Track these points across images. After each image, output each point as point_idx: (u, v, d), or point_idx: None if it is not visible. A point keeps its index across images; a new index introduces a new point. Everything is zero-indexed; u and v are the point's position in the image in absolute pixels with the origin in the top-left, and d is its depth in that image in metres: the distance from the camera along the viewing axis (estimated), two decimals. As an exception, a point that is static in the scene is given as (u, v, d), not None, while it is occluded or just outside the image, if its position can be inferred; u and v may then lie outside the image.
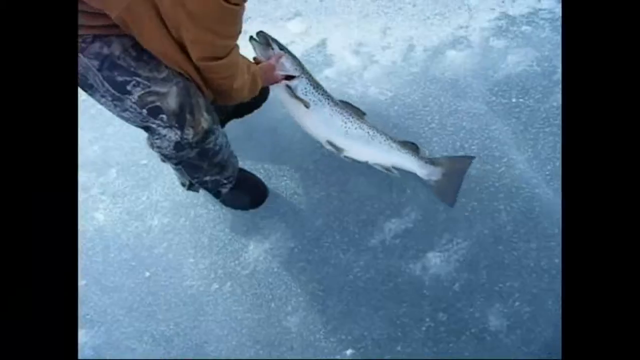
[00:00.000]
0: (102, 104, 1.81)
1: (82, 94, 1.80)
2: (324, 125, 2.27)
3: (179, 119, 1.77)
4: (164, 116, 1.75)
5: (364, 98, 2.52)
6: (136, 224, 2.41)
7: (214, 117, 1.91)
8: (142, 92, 1.71)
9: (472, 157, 2.29)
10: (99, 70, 1.68)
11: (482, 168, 2.32)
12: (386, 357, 2.06)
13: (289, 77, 2.27)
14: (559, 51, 2.56)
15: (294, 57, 2.31)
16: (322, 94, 2.27)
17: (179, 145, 1.83)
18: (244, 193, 2.34)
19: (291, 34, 2.84)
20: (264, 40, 2.27)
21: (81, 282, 2.30)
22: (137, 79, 1.70)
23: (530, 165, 2.32)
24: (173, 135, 1.80)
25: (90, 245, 2.39)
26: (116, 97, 1.73)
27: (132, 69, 1.69)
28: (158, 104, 1.73)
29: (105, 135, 2.67)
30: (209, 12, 1.58)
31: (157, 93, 1.72)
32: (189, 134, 1.80)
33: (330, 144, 2.25)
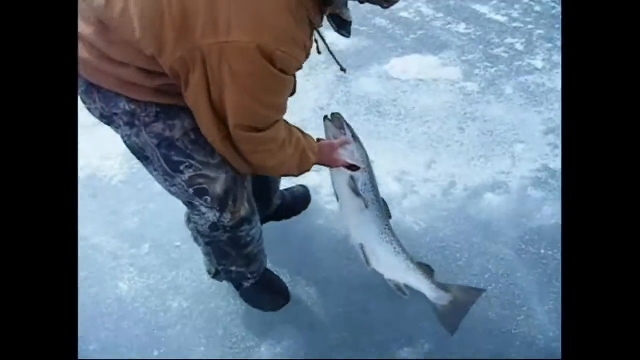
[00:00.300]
0: (153, 175, 1.92)
1: (135, 165, 1.89)
2: (365, 230, 2.23)
3: (222, 203, 1.87)
4: (208, 198, 1.85)
5: (400, 224, 2.59)
6: (156, 302, 2.45)
7: (253, 207, 1.99)
8: (194, 174, 1.81)
9: (483, 290, 2.32)
10: (158, 147, 1.77)
11: (501, 312, 2.33)
12: None
13: (353, 167, 2.16)
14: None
15: (363, 148, 2.23)
16: (376, 195, 2.20)
17: (214, 226, 1.94)
18: (266, 292, 2.38)
19: (341, 151, 2.97)
20: (338, 123, 2.20)
21: (89, 347, 2.32)
22: (192, 161, 1.79)
23: (550, 318, 2.32)
24: (212, 216, 1.90)
25: (107, 311, 2.43)
26: (168, 173, 1.83)
27: (188, 152, 1.78)
28: (205, 186, 1.83)
29: (147, 210, 2.78)
30: (254, 75, 1.55)
31: (207, 177, 1.82)
32: (227, 218, 1.90)
33: (362, 248, 2.24)
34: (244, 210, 1.93)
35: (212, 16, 1.46)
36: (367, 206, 2.18)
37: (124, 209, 2.79)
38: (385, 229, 2.24)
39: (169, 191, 1.92)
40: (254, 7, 1.48)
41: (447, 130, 3.08)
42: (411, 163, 2.92)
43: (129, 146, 1.87)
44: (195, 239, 2.22)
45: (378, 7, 1.71)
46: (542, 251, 2.52)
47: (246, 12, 1.48)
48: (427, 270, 2.30)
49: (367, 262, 2.24)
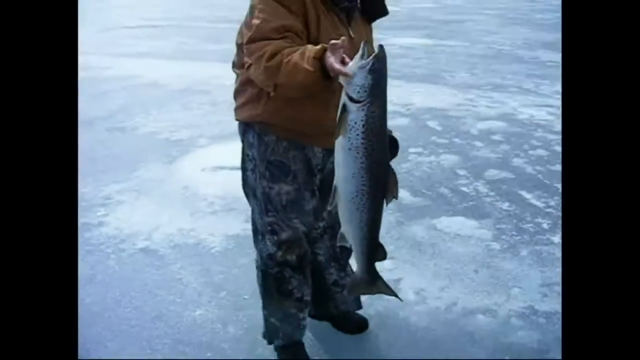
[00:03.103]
0: (253, 207, 2.75)
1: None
2: (340, 170, 2.08)
3: (280, 245, 2.63)
4: (275, 237, 2.64)
5: (408, 321, 3.46)
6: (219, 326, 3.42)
7: (302, 268, 2.72)
8: (274, 220, 2.62)
9: (395, 295, 2.63)
10: (262, 195, 2.62)
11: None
12: None
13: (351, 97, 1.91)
14: None
15: (377, 91, 1.88)
16: (365, 147, 1.93)
17: (269, 256, 2.67)
18: None
19: None
20: (369, 49, 1.95)
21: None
22: (277, 214, 2.60)
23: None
24: (271, 248, 2.67)
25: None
26: (263, 212, 2.64)
27: (278, 208, 2.59)
28: (277, 230, 2.62)
29: (233, 271, 3.86)
30: None
31: (280, 226, 2.61)
32: (278, 254, 2.65)
33: (334, 189, 2.15)
34: (290, 257, 2.64)
35: None
36: (338, 135, 1.99)
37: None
38: (362, 186, 2.04)
39: (256, 221, 2.71)
40: None
41: (466, 271, 3.96)
42: (429, 284, 3.79)
43: (249, 186, 2.69)
44: (258, 278, 2.86)
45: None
46: None
47: None
48: (380, 254, 2.27)
49: (330, 203, 2.19)
